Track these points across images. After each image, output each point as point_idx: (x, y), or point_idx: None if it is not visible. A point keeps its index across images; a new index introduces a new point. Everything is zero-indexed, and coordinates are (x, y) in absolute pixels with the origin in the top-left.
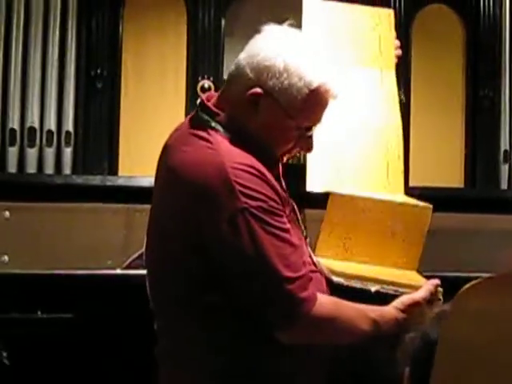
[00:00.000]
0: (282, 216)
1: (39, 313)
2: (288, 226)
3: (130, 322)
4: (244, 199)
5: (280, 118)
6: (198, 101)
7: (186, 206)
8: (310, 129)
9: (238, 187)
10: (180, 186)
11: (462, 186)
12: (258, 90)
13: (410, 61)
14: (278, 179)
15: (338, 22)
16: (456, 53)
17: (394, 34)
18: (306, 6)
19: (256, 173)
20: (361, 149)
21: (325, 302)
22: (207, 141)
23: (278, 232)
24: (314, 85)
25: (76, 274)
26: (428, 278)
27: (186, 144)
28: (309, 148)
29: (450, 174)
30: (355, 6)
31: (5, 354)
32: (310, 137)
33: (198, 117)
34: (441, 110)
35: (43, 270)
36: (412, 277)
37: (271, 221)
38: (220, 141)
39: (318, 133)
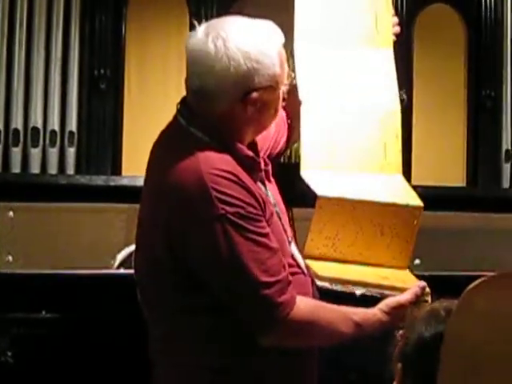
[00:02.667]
0: (260, 221)
1: (43, 312)
2: (267, 230)
3: (133, 321)
4: (221, 205)
5: (274, 95)
6: (178, 106)
7: (166, 213)
8: (288, 81)
9: (214, 193)
10: (160, 193)
11: (463, 185)
12: (254, 94)
13: (411, 60)
14: (262, 181)
15: (331, 1)
16: (458, 52)
17: (391, 11)
18: None
19: (234, 178)
20: (357, 129)
21: (304, 305)
22: (186, 148)
23: (255, 237)
24: (276, 50)
25: (79, 273)
26: (428, 277)
27: (168, 151)
28: (290, 92)
29: (452, 173)
30: None
31: (9, 354)
32: (288, 85)
33: (177, 123)
34: (443, 109)
35: (47, 270)
36: (403, 277)
37: (249, 226)
38: (198, 147)
39: (314, 114)
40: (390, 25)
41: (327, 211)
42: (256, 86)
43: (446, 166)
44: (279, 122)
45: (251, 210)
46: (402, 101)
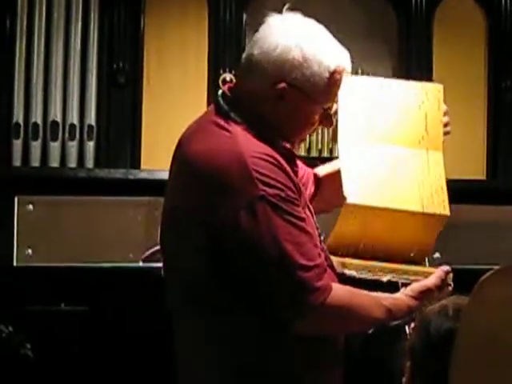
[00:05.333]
0: (298, 205)
1: (62, 305)
2: (304, 215)
3: (151, 314)
4: (262, 187)
5: (306, 105)
6: (220, 91)
7: (203, 193)
8: (331, 107)
9: (256, 175)
10: (197, 174)
11: (483, 178)
12: (283, 84)
13: (431, 51)
14: (294, 172)
15: (380, 97)
16: (478, 44)
17: (442, 110)
18: (344, 81)
19: (274, 161)
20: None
21: (339, 292)
22: (226, 130)
23: (294, 220)
24: (333, 67)
25: (99, 267)
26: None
27: (204, 132)
28: (331, 123)
29: (472, 166)
30: (401, 82)
31: (28, 346)
32: (332, 114)
33: (218, 107)
34: (462, 101)
35: (66, 263)
36: (423, 268)
37: (288, 209)
38: (239, 131)
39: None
40: (440, 126)
41: (350, 217)
42: (290, 80)
43: (466, 158)
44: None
45: (290, 193)
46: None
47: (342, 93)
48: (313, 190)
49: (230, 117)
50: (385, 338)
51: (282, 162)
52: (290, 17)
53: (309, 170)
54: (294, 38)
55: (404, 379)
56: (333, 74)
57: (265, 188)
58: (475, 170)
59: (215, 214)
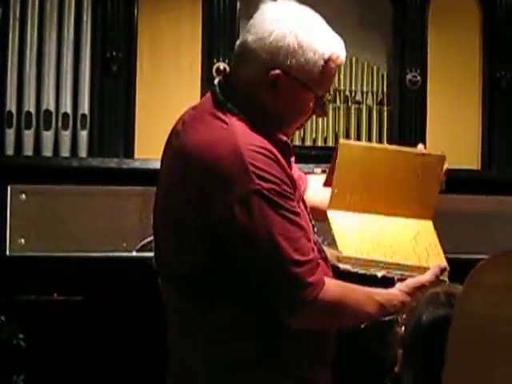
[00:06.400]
0: (293, 200)
1: (55, 295)
2: (298, 210)
3: (144, 304)
4: (257, 181)
5: (300, 93)
6: (216, 81)
7: (198, 184)
8: (324, 96)
9: (252, 168)
10: (194, 166)
11: (478, 168)
12: (277, 71)
13: (426, 41)
14: (289, 164)
15: (375, 169)
16: (472, 33)
17: (441, 178)
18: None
19: (270, 155)
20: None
21: (332, 287)
22: (223, 121)
23: (288, 215)
24: (327, 55)
25: (92, 256)
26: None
27: (201, 123)
28: (325, 113)
29: (467, 156)
30: (403, 151)
31: (21, 336)
32: (325, 103)
33: (214, 97)
34: (457, 91)
35: (59, 253)
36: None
37: (283, 203)
38: (235, 122)
39: None
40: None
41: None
42: (285, 67)
43: (461, 148)
44: None
45: (285, 188)
46: (416, 82)
47: (341, 159)
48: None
49: (226, 107)
50: (377, 329)
51: (278, 155)
52: (285, 4)
53: (302, 175)
54: (289, 24)
55: (396, 368)
56: (327, 61)
57: (260, 182)
58: (470, 160)
59: (213, 206)
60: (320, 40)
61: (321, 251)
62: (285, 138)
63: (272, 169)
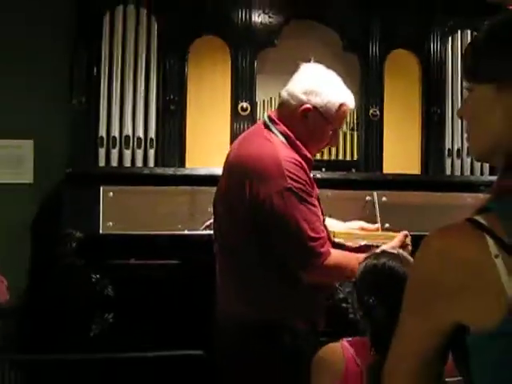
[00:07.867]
0: (312, 196)
1: (132, 260)
2: (316, 203)
3: (200, 272)
4: (289, 181)
5: (322, 124)
6: (267, 113)
7: (249, 182)
8: (337, 129)
9: (286, 173)
10: (247, 170)
11: (419, 173)
12: (309, 105)
13: (383, 86)
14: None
15: None
16: (414, 81)
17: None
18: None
19: (299, 164)
20: None
21: (335, 254)
22: (268, 140)
23: (309, 206)
24: (342, 101)
25: (158, 233)
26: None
27: (253, 141)
28: (336, 142)
29: (412, 165)
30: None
31: (110, 288)
32: (337, 135)
33: (265, 124)
34: (404, 121)
35: (135, 231)
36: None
37: (306, 198)
38: (277, 141)
39: None
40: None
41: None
42: (313, 103)
43: (407, 159)
44: None
45: (308, 188)
46: (376, 115)
47: None
48: None
49: (271, 131)
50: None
51: (304, 165)
52: (315, 65)
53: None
54: (319, 77)
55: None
56: (342, 105)
57: (292, 182)
58: (414, 167)
59: (258, 196)
60: (338, 89)
61: (327, 233)
62: (309, 155)
63: (300, 173)
